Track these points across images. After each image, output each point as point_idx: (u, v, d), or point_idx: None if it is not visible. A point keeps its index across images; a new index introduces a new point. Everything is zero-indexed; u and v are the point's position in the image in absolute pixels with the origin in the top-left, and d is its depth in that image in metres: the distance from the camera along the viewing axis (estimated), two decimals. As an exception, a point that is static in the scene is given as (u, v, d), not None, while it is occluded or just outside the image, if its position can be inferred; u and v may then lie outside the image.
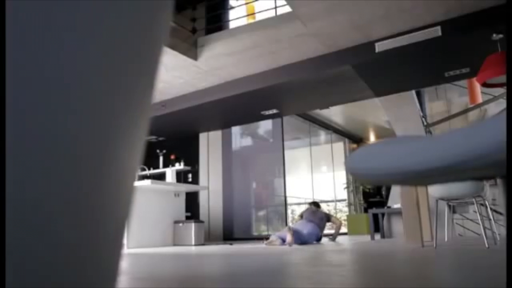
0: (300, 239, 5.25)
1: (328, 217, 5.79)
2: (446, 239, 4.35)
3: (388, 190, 8.86)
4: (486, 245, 3.26)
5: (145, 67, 0.39)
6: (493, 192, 6.21)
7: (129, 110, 0.37)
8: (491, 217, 3.97)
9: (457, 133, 0.61)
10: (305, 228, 5.36)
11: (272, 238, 5.30)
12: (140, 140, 0.40)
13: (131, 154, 0.38)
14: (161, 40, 0.41)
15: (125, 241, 5.25)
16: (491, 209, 3.93)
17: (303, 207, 5.98)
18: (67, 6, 0.32)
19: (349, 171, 0.74)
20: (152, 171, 7.61)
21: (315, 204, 6.13)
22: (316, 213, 5.74)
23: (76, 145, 0.32)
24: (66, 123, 0.31)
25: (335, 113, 9.93)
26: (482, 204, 3.84)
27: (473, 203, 3.79)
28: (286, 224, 5.95)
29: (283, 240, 5.17)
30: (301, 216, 5.84)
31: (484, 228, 3.47)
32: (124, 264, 2.88)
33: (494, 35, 4.21)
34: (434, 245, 3.46)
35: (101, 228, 0.36)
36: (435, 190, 3.57)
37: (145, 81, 0.39)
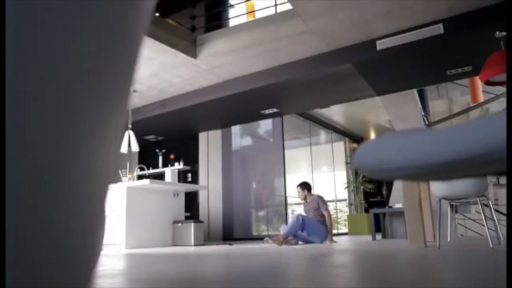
0: (305, 239, 5.23)
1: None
2: (448, 239, 4.30)
3: (389, 189, 8.81)
4: (491, 245, 3.21)
5: (122, 60, 0.36)
6: (495, 192, 6.16)
7: (105, 106, 0.34)
8: (495, 217, 3.92)
9: (466, 126, 0.56)
10: (316, 235, 5.28)
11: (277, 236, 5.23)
12: (116, 138, 0.38)
13: (107, 153, 0.35)
14: (140, 31, 0.38)
15: (123, 241, 5.21)
16: (494, 209, 3.87)
17: (303, 207, 5.85)
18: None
19: (356, 167, 0.69)
20: (151, 171, 7.57)
21: (309, 188, 5.72)
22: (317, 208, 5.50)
23: (49, 143, 0.30)
24: (40, 120, 0.29)
25: (336, 113, 9.87)
26: (485, 205, 3.78)
27: (475, 203, 3.74)
28: (287, 223, 5.77)
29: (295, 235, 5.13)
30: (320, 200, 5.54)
31: (488, 228, 3.42)
32: (123, 265, 2.84)
33: (497, 32, 4.16)
34: (438, 246, 3.41)
35: (78, 228, 0.33)
36: (438, 190, 3.51)
37: (121, 77, 0.36)
